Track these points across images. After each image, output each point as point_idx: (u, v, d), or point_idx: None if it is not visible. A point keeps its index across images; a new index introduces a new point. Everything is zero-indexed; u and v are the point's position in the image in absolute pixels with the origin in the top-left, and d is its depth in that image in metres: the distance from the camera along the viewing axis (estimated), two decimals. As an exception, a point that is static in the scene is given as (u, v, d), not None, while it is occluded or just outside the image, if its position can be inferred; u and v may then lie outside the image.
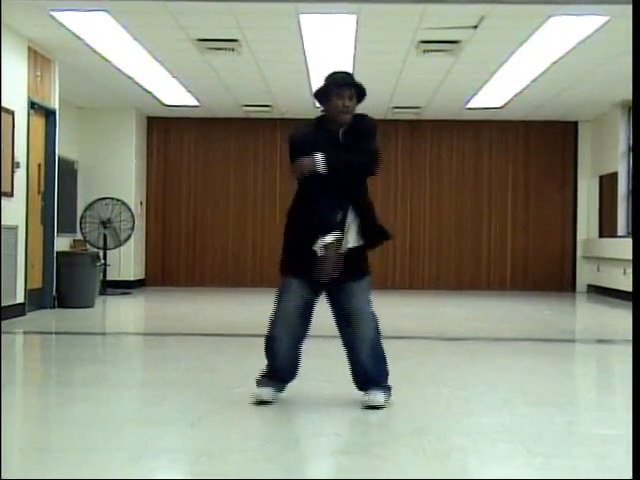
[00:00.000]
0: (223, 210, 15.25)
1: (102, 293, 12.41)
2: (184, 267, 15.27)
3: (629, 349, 6.20)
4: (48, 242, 10.68)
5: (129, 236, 13.55)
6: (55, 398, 5.35)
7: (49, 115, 10.65)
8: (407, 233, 15.24)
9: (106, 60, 10.63)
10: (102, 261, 12.61)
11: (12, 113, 9.36)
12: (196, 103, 13.76)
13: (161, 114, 14.86)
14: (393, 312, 11.29)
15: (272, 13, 8.49)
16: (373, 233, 4.90)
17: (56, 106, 10.73)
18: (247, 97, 13.23)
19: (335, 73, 4.90)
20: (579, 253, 15.17)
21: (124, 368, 6.62)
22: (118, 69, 11.19)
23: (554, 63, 10.45)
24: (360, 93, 4.82)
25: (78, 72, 11.32)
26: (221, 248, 15.21)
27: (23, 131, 9.73)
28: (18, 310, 9.50)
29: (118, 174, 14.35)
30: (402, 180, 15.24)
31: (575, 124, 15.14)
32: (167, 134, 15.27)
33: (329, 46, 9.80)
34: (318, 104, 4.92)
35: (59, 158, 11.01)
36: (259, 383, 4.89)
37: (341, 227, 4.75)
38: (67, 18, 8.78)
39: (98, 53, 10.26)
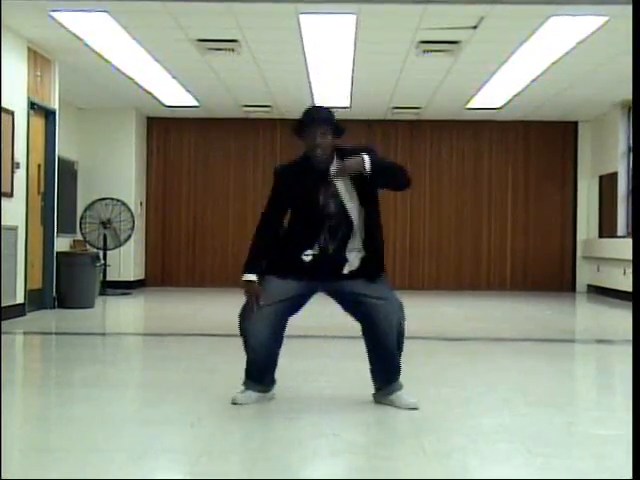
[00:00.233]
0: (223, 210, 15.26)
1: (102, 293, 12.41)
2: (184, 267, 15.27)
3: (629, 349, 6.20)
4: (48, 242, 10.68)
5: (129, 236, 13.55)
6: (55, 398, 5.35)
7: (49, 115, 10.65)
8: (407, 233, 15.25)
9: (106, 60, 10.64)
10: (102, 261, 12.61)
11: (12, 113, 9.36)
12: (196, 103, 13.76)
13: (161, 114, 14.86)
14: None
15: (272, 13, 8.49)
16: (372, 266, 4.83)
17: (56, 106, 10.73)
18: (247, 97, 13.23)
19: (310, 109, 4.84)
20: (579, 253, 15.17)
21: (124, 368, 6.62)
22: (118, 69, 11.19)
23: (554, 63, 10.45)
24: (336, 129, 4.71)
25: (78, 72, 11.32)
26: (221, 248, 15.22)
27: (23, 131, 9.73)
28: (18, 310, 9.50)
29: (118, 174, 14.35)
30: (402, 180, 15.20)
31: (575, 124, 15.14)
32: (167, 134, 15.27)
33: (329, 46, 9.80)
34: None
35: (59, 158, 11.01)
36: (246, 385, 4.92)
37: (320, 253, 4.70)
38: (67, 18, 8.78)
39: (98, 53, 10.26)
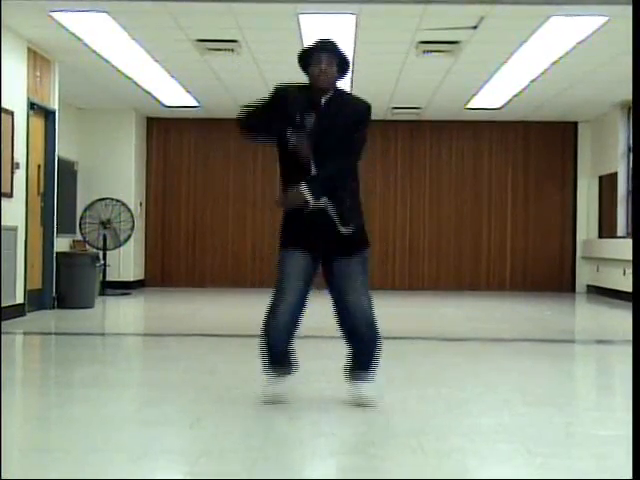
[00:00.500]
0: (223, 211, 15.25)
1: (102, 294, 12.41)
2: (184, 268, 15.27)
3: (629, 349, 6.20)
4: (48, 243, 10.68)
5: (129, 237, 13.55)
6: (55, 398, 5.35)
7: (49, 116, 10.65)
8: (407, 233, 15.25)
9: (106, 61, 10.63)
10: (102, 262, 12.61)
11: (12, 114, 9.36)
12: (196, 104, 13.76)
13: (161, 115, 14.86)
14: (393, 312, 11.29)
15: (272, 13, 8.50)
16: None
17: (56, 107, 10.73)
18: (247, 97, 13.16)
19: (318, 40, 4.88)
20: (579, 253, 15.17)
21: (124, 369, 6.62)
22: (118, 70, 11.19)
23: (554, 63, 10.45)
24: (342, 62, 4.77)
25: (78, 73, 11.32)
26: (221, 248, 15.21)
27: (23, 132, 9.73)
28: (18, 310, 9.50)
29: (118, 175, 14.36)
30: (402, 180, 15.24)
31: (575, 124, 15.14)
32: (167, 135, 15.27)
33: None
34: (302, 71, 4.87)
35: (59, 159, 11.01)
36: (267, 374, 4.84)
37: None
38: (67, 19, 8.78)
39: (98, 54, 10.26)
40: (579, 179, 15.19)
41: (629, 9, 6.13)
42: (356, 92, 13.95)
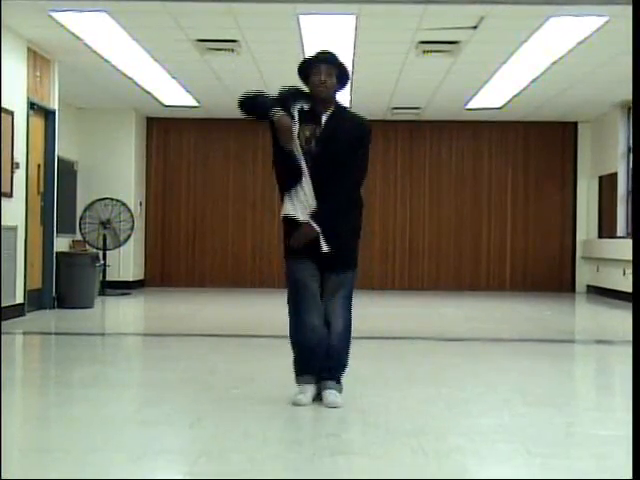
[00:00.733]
0: (223, 211, 15.25)
1: (101, 293, 12.41)
2: (183, 268, 15.26)
3: (629, 350, 6.20)
4: (48, 242, 10.68)
5: (128, 236, 13.55)
6: (55, 398, 5.35)
7: (49, 115, 10.65)
8: (406, 233, 15.25)
9: (106, 60, 10.63)
10: (102, 261, 12.61)
11: (12, 113, 9.36)
12: (195, 104, 13.76)
13: (161, 115, 14.86)
14: (392, 312, 11.31)
15: (271, 13, 8.50)
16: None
17: (55, 106, 10.73)
18: (246, 98, 13.21)
19: (318, 51, 4.93)
20: (578, 254, 15.17)
21: (123, 368, 6.62)
22: (118, 70, 11.19)
23: (554, 63, 10.45)
24: (341, 73, 4.81)
25: (78, 72, 11.32)
26: (221, 249, 15.21)
27: (23, 131, 9.73)
28: (18, 310, 9.49)
29: (118, 175, 14.35)
30: (402, 181, 15.24)
31: (575, 125, 15.14)
32: (167, 135, 15.27)
33: (329, 47, 9.79)
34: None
35: (59, 158, 11.01)
36: (299, 382, 4.88)
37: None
38: (67, 18, 8.78)
39: (98, 53, 10.26)
40: (579, 179, 15.19)
41: (629, 9, 6.14)
42: (356, 92, 14.00)
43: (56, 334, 9.11)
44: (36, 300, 10.27)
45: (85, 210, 13.52)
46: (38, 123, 10.42)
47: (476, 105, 13.52)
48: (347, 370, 4.95)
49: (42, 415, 4.80)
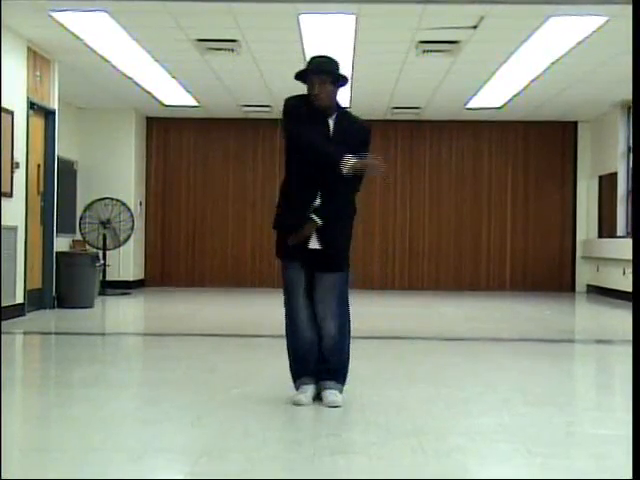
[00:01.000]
0: (222, 210, 15.25)
1: (101, 293, 12.41)
2: (183, 267, 15.26)
3: (629, 349, 6.20)
4: (48, 242, 10.68)
5: (128, 236, 13.55)
6: (55, 398, 5.35)
7: (48, 115, 10.65)
8: (406, 233, 15.24)
9: (106, 60, 10.63)
10: (101, 261, 12.61)
11: (11, 113, 9.36)
12: (195, 103, 13.75)
13: (160, 114, 14.86)
14: (392, 312, 11.31)
15: (272, 13, 8.49)
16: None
17: (55, 106, 10.73)
18: (247, 97, 13.23)
19: (313, 58, 4.92)
20: (578, 253, 15.17)
21: (124, 368, 6.62)
22: (118, 69, 11.19)
23: (554, 63, 10.45)
24: (335, 77, 4.81)
25: (78, 72, 11.32)
26: (220, 249, 15.21)
27: (22, 131, 9.73)
28: (18, 310, 9.50)
29: (118, 174, 14.35)
30: (402, 180, 15.23)
31: (575, 124, 15.14)
32: (166, 134, 15.27)
33: (329, 46, 9.79)
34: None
35: (58, 158, 11.01)
36: (297, 386, 4.91)
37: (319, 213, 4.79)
38: (67, 18, 8.78)
39: (98, 53, 10.26)
40: (579, 179, 15.19)
41: (629, 9, 6.14)
42: (356, 92, 13.98)
43: (56, 334, 9.11)
44: (36, 300, 10.27)
45: (85, 210, 13.52)
46: (38, 123, 10.42)
47: (476, 105, 13.52)
48: (350, 371, 4.95)
49: (42, 415, 4.80)
